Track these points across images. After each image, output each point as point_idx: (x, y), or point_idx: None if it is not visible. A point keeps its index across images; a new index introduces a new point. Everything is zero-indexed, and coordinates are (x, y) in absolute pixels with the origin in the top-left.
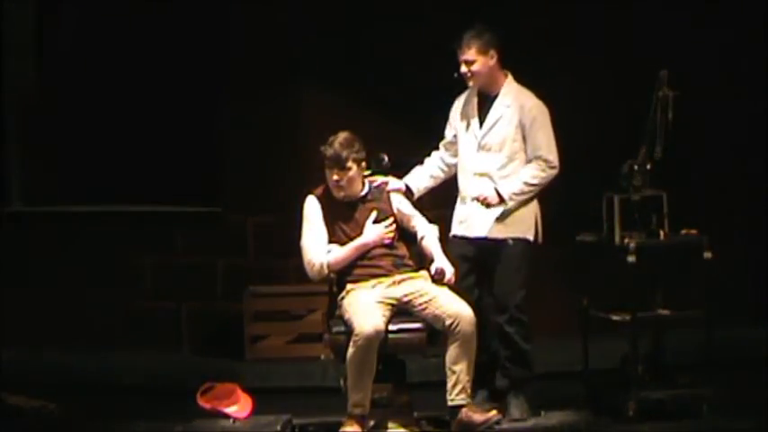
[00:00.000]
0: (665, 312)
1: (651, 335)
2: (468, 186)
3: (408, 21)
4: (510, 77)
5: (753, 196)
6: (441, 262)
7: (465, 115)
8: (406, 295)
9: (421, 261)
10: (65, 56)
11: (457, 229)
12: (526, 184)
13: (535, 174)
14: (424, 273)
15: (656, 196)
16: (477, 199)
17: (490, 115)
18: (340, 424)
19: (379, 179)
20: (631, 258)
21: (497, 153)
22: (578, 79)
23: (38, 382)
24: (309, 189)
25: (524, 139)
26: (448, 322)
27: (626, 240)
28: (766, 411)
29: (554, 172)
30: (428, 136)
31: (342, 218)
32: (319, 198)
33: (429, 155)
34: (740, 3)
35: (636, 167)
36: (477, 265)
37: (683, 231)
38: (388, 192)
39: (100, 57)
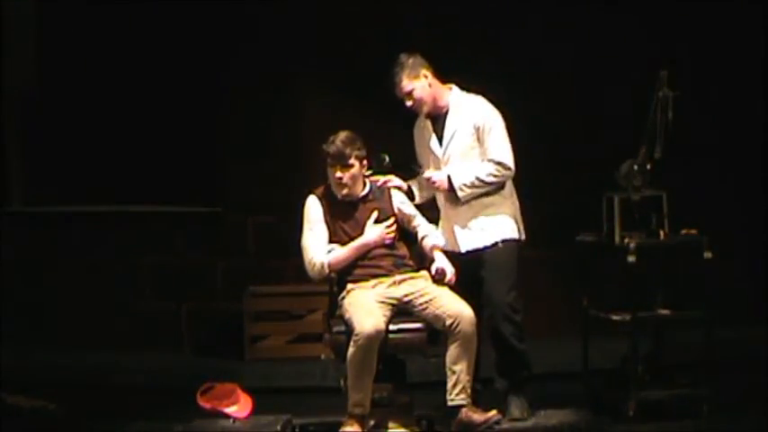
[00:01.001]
0: (665, 312)
1: (651, 335)
2: (444, 203)
3: (408, 21)
4: (455, 89)
5: (753, 196)
6: (441, 262)
7: (423, 139)
8: (406, 295)
9: (421, 261)
10: (65, 56)
11: (444, 244)
12: (478, 179)
13: (490, 172)
14: (424, 273)
15: (656, 196)
16: (428, 180)
17: (446, 131)
18: (340, 424)
19: (382, 178)
20: (631, 258)
21: (461, 164)
22: (578, 79)
23: (38, 382)
24: (310, 189)
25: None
26: (448, 322)
27: (626, 240)
28: (766, 411)
29: (509, 173)
30: None
31: (343, 218)
32: (320, 198)
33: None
34: (740, 2)
35: (636, 167)
36: (467, 277)
37: (683, 231)
38: (390, 189)
39: (100, 57)
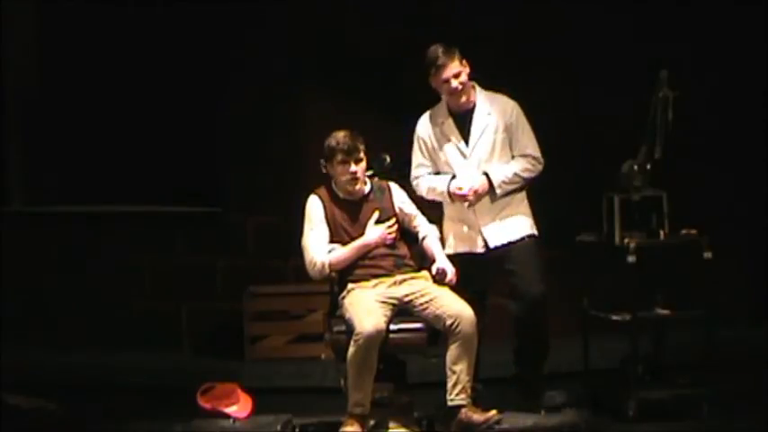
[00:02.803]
0: (665, 312)
1: (651, 335)
2: (463, 205)
3: (408, 21)
4: (477, 87)
5: (753, 196)
6: (442, 262)
7: (443, 135)
8: (406, 295)
9: (422, 261)
10: (65, 56)
11: (459, 246)
12: (516, 175)
13: (525, 167)
14: (425, 273)
15: (656, 196)
16: (466, 196)
17: (474, 127)
18: (340, 424)
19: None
20: (631, 258)
21: (487, 162)
22: (579, 79)
23: (38, 382)
24: (311, 188)
25: (509, 141)
26: (448, 322)
27: (626, 240)
28: (766, 411)
29: (540, 168)
30: None
31: (344, 217)
32: (321, 197)
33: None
34: (741, 3)
35: (636, 167)
36: (493, 274)
37: (683, 231)
38: (390, 188)
39: (100, 57)
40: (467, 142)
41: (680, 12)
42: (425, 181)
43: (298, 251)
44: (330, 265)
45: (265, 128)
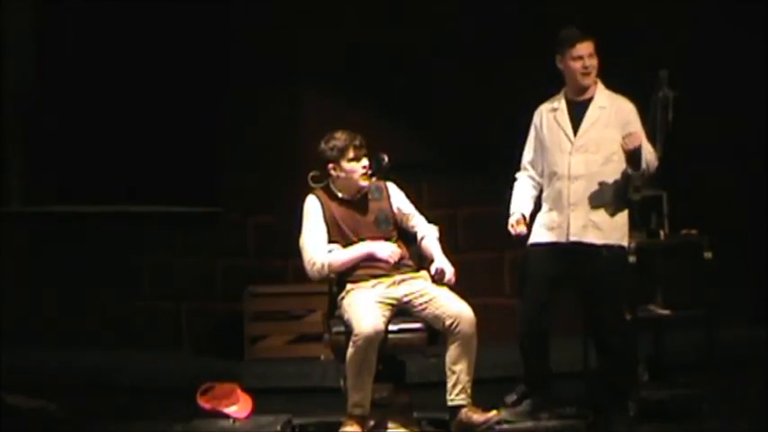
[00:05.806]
0: (665, 312)
1: (651, 335)
2: (563, 190)
3: (408, 21)
4: (599, 81)
5: (753, 196)
6: (440, 262)
7: (555, 121)
8: (406, 295)
9: (421, 261)
10: (65, 56)
11: (544, 235)
12: (645, 161)
13: (652, 157)
14: (423, 273)
15: (656, 196)
16: (627, 147)
17: (587, 117)
18: (340, 424)
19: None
20: (631, 258)
21: (594, 154)
22: None
23: (38, 382)
24: (310, 188)
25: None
26: (448, 322)
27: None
28: (766, 411)
29: (656, 165)
30: (428, 136)
31: (342, 217)
32: (319, 197)
33: (435, 158)
34: (741, 2)
35: None
36: (567, 275)
37: (683, 231)
38: (388, 188)
39: (100, 57)
40: (575, 131)
41: (681, 11)
42: (516, 187)
43: (298, 251)
44: (330, 265)
45: (265, 128)
